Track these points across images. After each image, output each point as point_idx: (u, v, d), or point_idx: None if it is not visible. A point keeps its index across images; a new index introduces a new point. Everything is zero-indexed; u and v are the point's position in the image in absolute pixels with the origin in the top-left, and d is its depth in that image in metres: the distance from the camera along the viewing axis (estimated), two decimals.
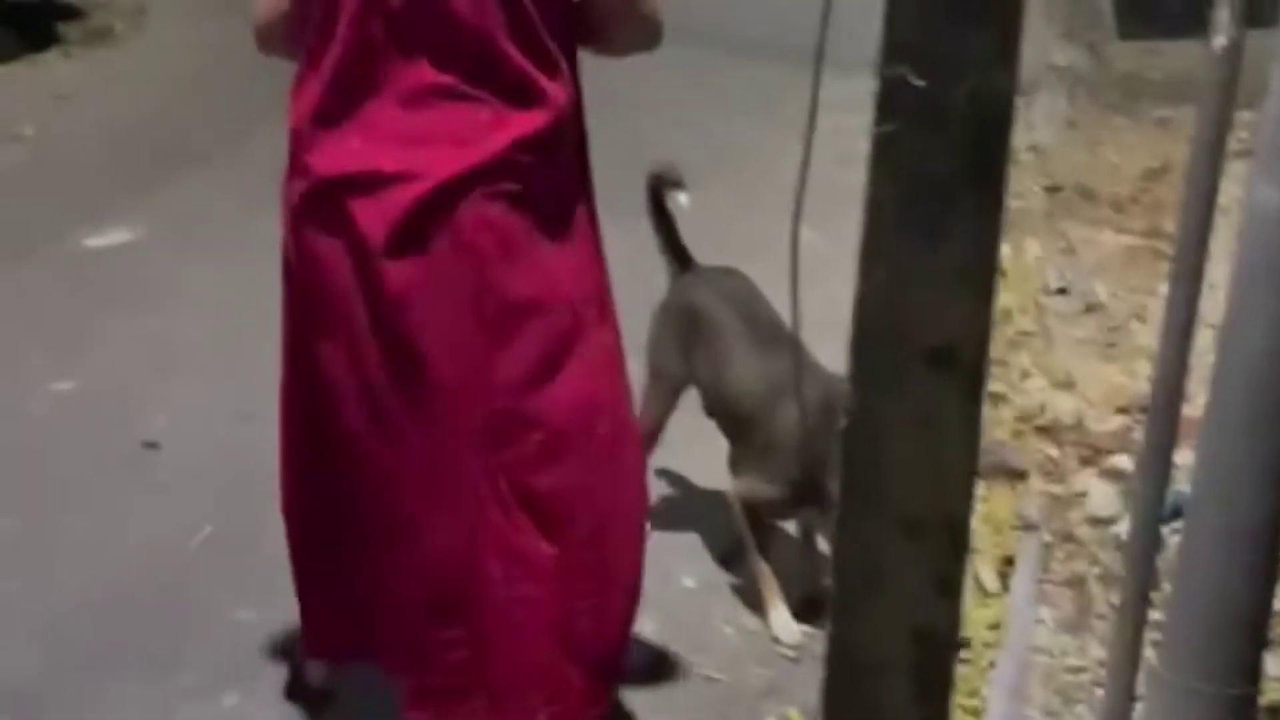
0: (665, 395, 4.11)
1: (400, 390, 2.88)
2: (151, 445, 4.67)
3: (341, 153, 2.85)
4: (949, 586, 1.67)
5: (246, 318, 5.73)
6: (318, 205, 2.88)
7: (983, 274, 1.51)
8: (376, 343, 2.87)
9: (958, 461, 1.62)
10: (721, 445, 3.94)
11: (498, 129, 2.82)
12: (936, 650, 1.68)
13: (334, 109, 2.84)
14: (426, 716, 3.04)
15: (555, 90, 2.86)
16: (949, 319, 1.53)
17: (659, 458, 4.46)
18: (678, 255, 4.17)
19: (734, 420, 3.92)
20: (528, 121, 2.83)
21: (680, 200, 4.05)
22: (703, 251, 4.19)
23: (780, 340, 3.80)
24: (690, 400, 4.08)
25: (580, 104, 2.98)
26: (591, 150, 3.04)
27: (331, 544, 3.17)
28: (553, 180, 2.93)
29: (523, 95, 2.83)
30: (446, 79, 2.80)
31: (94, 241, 6.57)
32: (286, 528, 3.25)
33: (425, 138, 2.82)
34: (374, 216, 2.81)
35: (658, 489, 4.50)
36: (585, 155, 3.05)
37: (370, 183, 2.82)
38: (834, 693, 1.73)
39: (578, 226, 2.99)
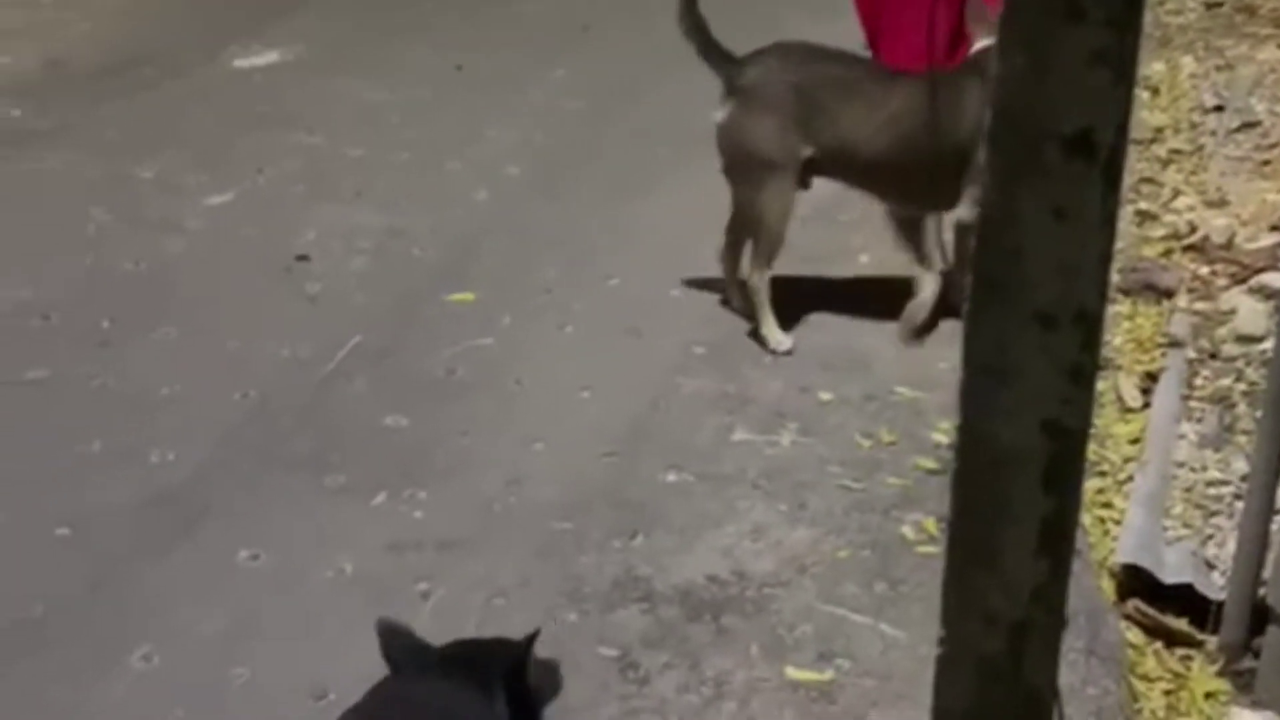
0: (788, 185, 4.20)
1: None
2: (302, 258, 4.78)
3: None
4: (1080, 377, 1.66)
5: (394, 138, 5.84)
6: None
7: (1122, 56, 1.47)
8: None
9: (1093, 252, 1.60)
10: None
11: None
12: (1066, 441, 1.68)
13: None
14: None
15: None
16: (1086, 105, 1.50)
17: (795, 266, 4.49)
18: (721, 54, 4.24)
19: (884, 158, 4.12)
20: None
21: None
22: None
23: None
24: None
25: None
26: None
27: None
28: None
29: None
30: None
31: (243, 62, 6.67)
32: None
33: None
34: None
35: (788, 301, 4.53)
36: None
37: None
38: (963, 483, 1.74)
39: None
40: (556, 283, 4.63)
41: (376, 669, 2.91)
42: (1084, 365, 1.68)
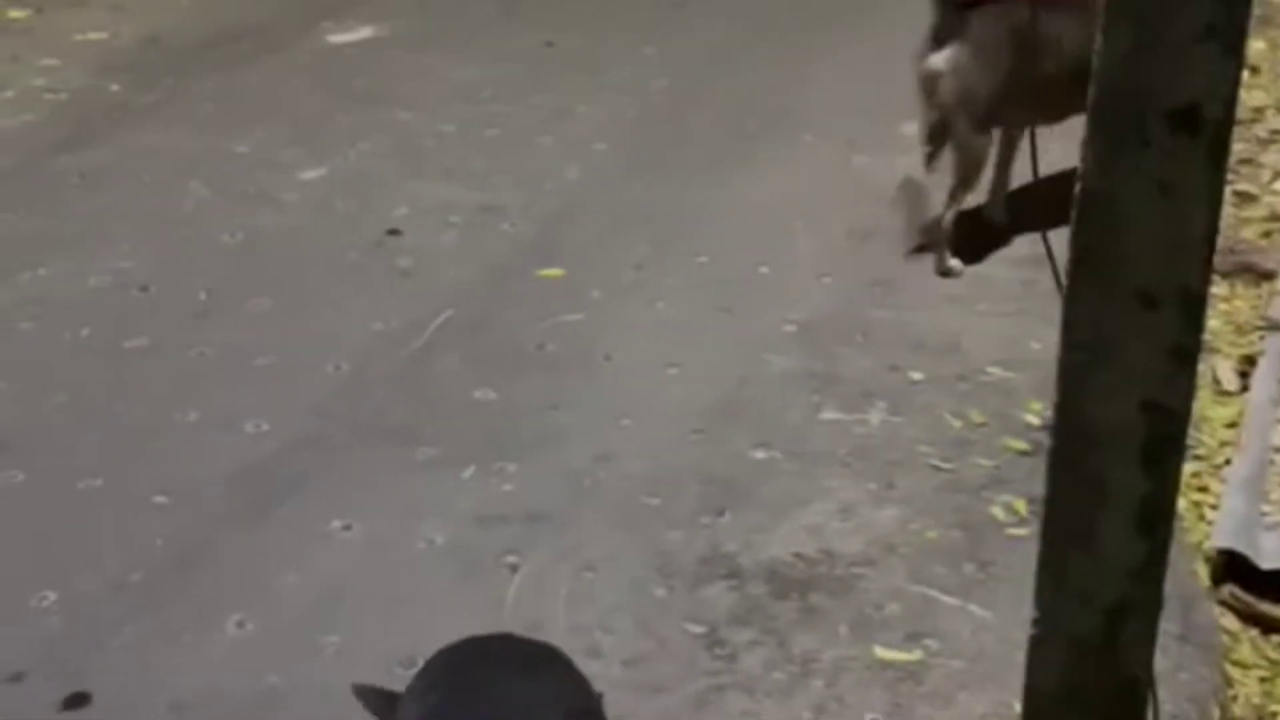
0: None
1: None
2: (394, 233, 4.82)
3: None
4: (1182, 358, 1.64)
5: (484, 114, 5.86)
6: None
7: (1231, 32, 1.45)
8: None
9: (1197, 230, 1.58)
10: None
11: None
12: (1166, 422, 1.67)
13: None
14: None
15: None
16: (1194, 79, 1.48)
17: None
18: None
19: None
20: None
21: None
22: None
23: None
24: None
25: None
26: None
27: None
28: None
29: None
30: None
31: (337, 38, 6.72)
32: None
33: None
34: None
35: (875, 281, 4.50)
36: None
37: None
38: (1060, 463, 1.73)
39: None
40: (646, 259, 4.63)
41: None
42: (1185, 345, 1.66)
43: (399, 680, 2.81)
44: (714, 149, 5.51)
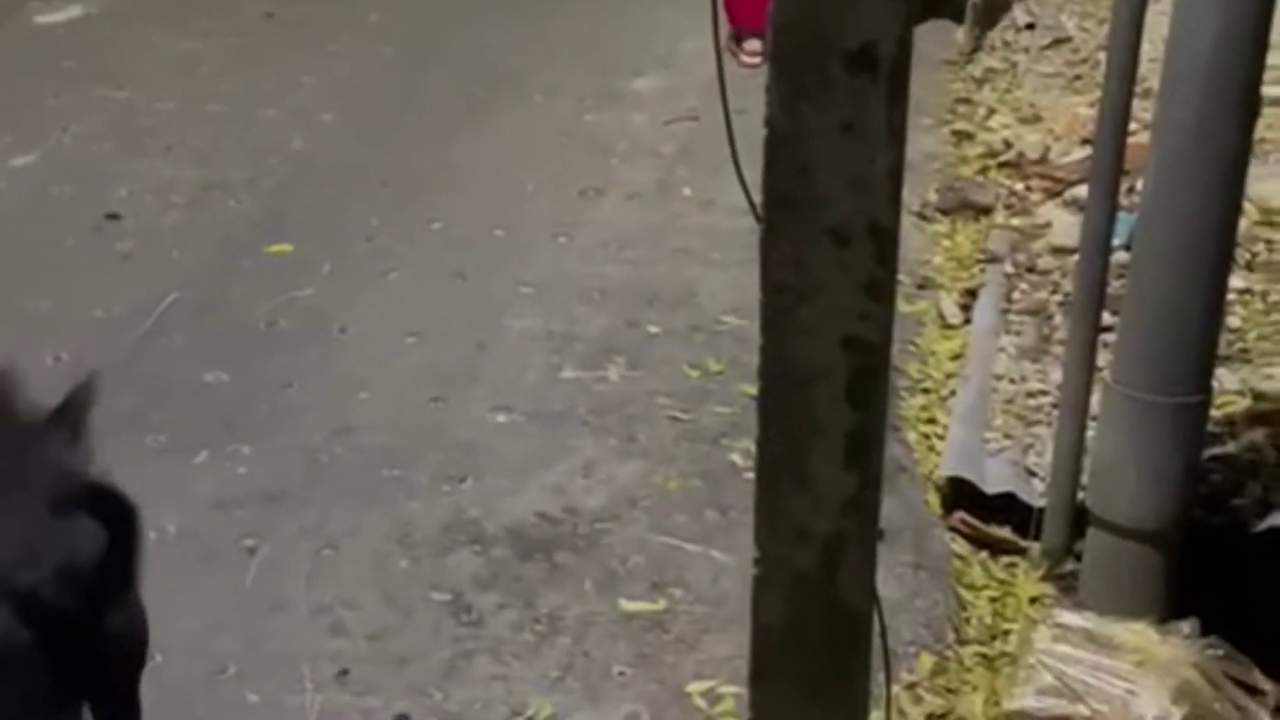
0: None
1: None
2: (114, 216, 4.65)
3: None
4: (878, 292, 1.68)
5: (206, 89, 5.70)
6: None
7: None
8: None
9: (881, 166, 1.61)
10: None
11: None
12: (867, 355, 1.70)
13: None
14: None
15: None
16: (866, 20, 1.51)
17: None
18: None
19: None
20: None
21: None
22: None
23: None
24: None
25: None
26: None
27: None
28: None
29: None
30: None
31: (44, 18, 6.44)
32: None
33: None
34: None
35: (612, 237, 4.53)
36: None
37: None
38: (769, 403, 1.76)
39: None
40: (378, 229, 4.56)
41: (205, 630, 2.87)
42: (880, 279, 1.69)
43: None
44: (444, 114, 5.45)
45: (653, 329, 4.04)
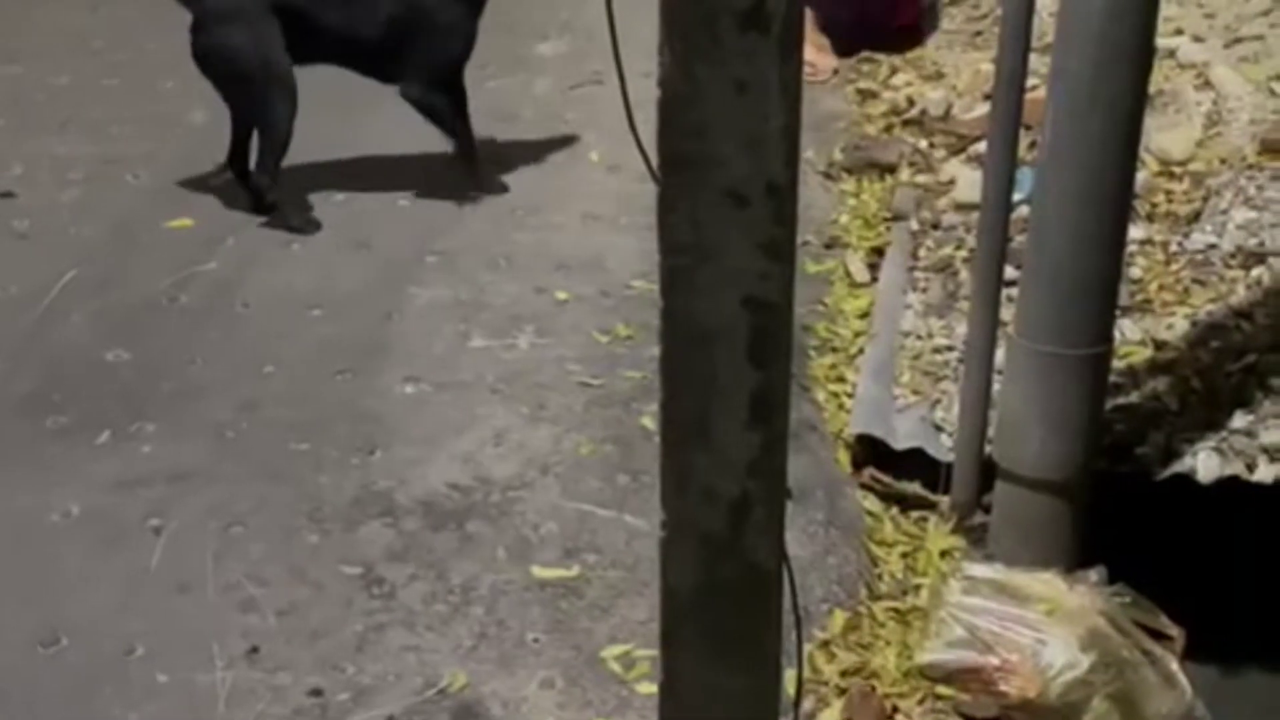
0: None
1: None
2: (8, 195, 4.56)
3: None
4: (776, 251, 1.67)
5: (101, 62, 5.59)
6: None
7: None
8: None
9: (776, 124, 1.60)
10: None
11: None
12: (768, 315, 1.70)
13: None
14: None
15: None
16: None
17: None
18: None
19: None
20: None
21: None
22: None
23: None
24: None
25: None
26: None
27: None
28: None
29: None
30: None
31: None
32: None
33: None
34: None
35: (520, 205, 4.50)
36: None
37: None
38: (672, 365, 1.75)
39: None
40: (280, 201, 4.49)
41: (111, 611, 2.82)
42: (778, 239, 1.69)
43: (42, 661, 2.69)
44: (345, 84, 5.35)
45: (561, 295, 4.02)
